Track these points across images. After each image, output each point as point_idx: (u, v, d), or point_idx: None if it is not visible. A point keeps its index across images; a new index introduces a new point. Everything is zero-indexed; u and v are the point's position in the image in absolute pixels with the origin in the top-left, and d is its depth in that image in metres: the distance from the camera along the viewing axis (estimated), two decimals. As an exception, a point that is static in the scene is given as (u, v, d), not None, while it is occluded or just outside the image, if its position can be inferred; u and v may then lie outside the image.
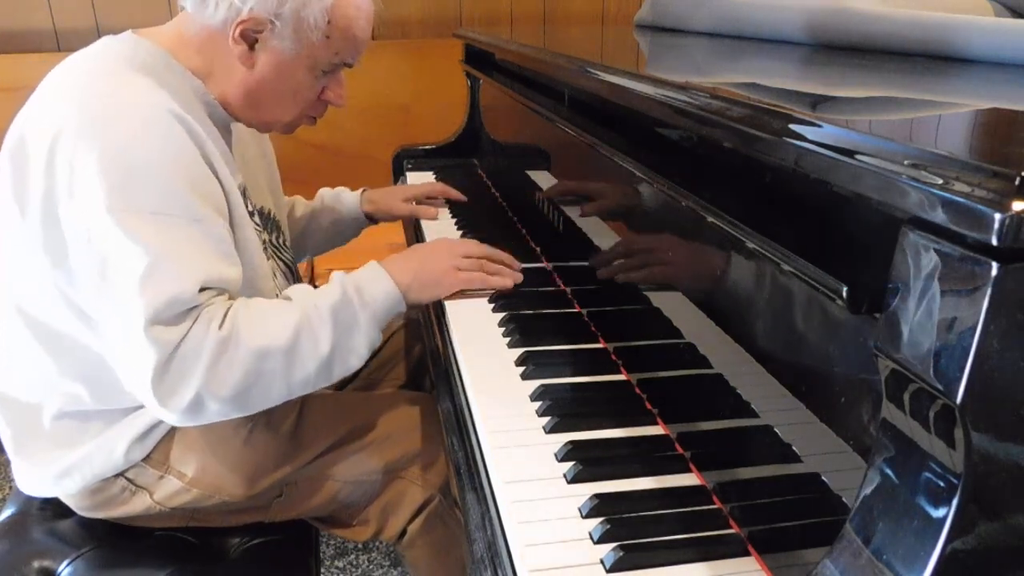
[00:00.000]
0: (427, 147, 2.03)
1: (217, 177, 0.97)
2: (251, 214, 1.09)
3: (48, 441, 1.03)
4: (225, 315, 0.90)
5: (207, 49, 1.01)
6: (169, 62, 1.00)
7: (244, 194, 1.08)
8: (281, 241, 1.25)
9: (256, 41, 0.99)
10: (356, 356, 0.99)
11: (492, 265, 1.16)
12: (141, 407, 1.03)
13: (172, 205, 0.89)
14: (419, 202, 1.58)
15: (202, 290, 0.89)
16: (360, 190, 1.53)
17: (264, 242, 1.14)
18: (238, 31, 0.97)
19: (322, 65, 1.04)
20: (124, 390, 1.00)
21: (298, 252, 1.42)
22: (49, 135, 0.89)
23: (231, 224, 0.99)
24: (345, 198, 1.50)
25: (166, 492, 1.06)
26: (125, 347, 0.88)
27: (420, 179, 1.92)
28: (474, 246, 1.18)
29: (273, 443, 1.08)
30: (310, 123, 1.14)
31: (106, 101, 0.91)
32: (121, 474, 1.04)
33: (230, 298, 0.94)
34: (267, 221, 1.21)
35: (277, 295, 1.09)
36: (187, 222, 0.89)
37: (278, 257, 1.21)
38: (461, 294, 1.15)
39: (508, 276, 1.16)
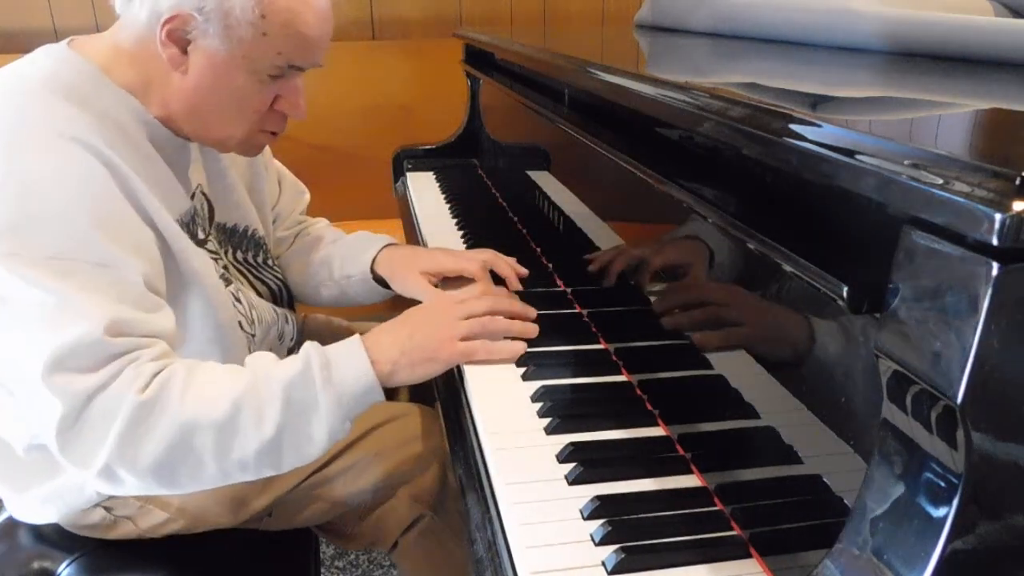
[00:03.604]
0: (427, 147, 2.03)
1: (144, 213, 0.89)
2: (202, 241, 1.02)
3: (24, 470, 0.99)
4: (154, 376, 0.80)
5: (141, 58, 0.91)
6: (99, 81, 0.91)
7: (195, 219, 1.01)
8: (260, 260, 1.17)
9: (188, 43, 0.89)
10: (313, 445, 0.85)
11: (498, 325, 0.98)
12: None
13: (72, 248, 0.80)
14: (444, 280, 1.18)
15: (116, 335, 0.79)
16: (385, 244, 1.24)
17: (226, 266, 1.07)
18: (164, 31, 0.88)
19: (265, 68, 0.92)
20: None
21: (299, 295, 1.29)
22: None
23: (170, 260, 0.92)
24: (363, 247, 1.24)
25: (151, 523, 1.02)
26: (30, 400, 0.79)
27: (420, 179, 1.92)
28: (476, 303, 0.99)
29: None
30: (269, 139, 1.03)
31: (5, 130, 0.83)
32: (99, 504, 1.01)
33: (165, 355, 0.84)
34: (241, 239, 1.13)
35: (241, 322, 1.03)
36: (90, 267, 0.80)
37: (252, 276, 1.14)
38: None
39: (518, 341, 0.98)
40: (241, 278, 1.12)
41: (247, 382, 0.84)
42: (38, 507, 1.02)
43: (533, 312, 1.03)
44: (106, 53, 0.93)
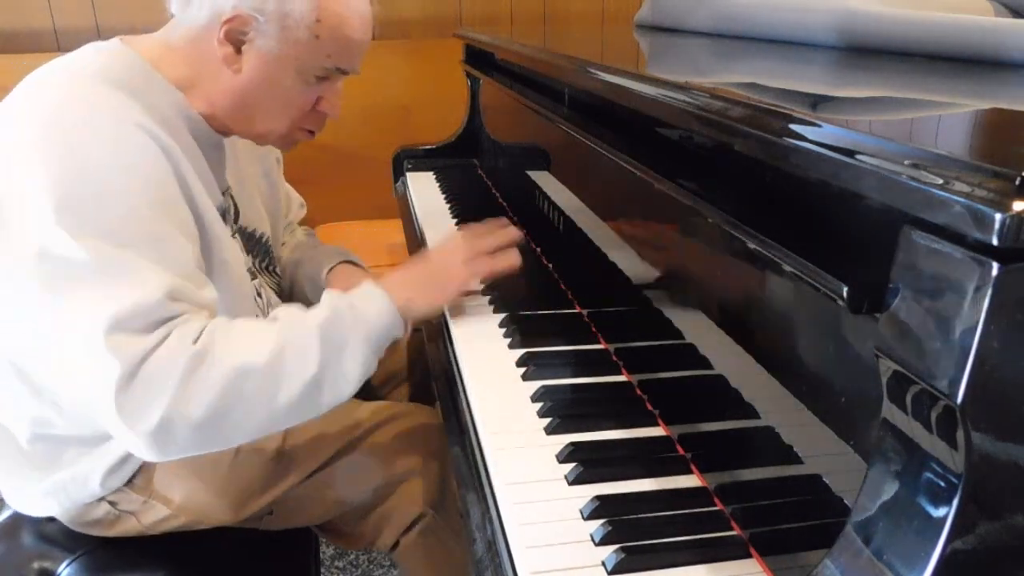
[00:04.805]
0: (427, 147, 2.03)
1: (190, 197, 0.93)
2: (232, 235, 1.05)
3: (27, 462, 1.00)
4: (202, 330, 0.83)
5: (193, 56, 0.96)
6: (150, 75, 0.95)
7: (226, 215, 1.04)
8: (264, 266, 1.20)
9: (243, 43, 0.94)
10: (348, 382, 0.90)
11: (493, 242, 1.10)
12: None
13: (130, 223, 0.83)
14: None
15: (173, 300, 0.83)
16: (343, 260, 1.29)
17: (248, 266, 1.10)
18: (223, 31, 0.92)
19: (314, 70, 0.98)
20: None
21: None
22: (12, 148, 0.84)
23: (205, 247, 0.95)
24: (324, 259, 1.28)
25: (152, 518, 1.03)
26: (84, 362, 0.80)
27: (420, 179, 1.92)
28: (469, 233, 1.13)
29: (260, 465, 1.05)
30: (307, 137, 1.08)
31: (67, 113, 0.86)
32: (103, 498, 1.02)
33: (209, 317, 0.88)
34: (255, 244, 1.16)
35: (258, 315, 1.06)
36: (147, 240, 0.84)
37: (262, 281, 1.18)
38: (461, 295, 1.14)
39: (511, 253, 1.10)
40: (256, 277, 1.15)
41: (284, 328, 0.88)
42: (39, 500, 1.02)
43: (512, 228, 1.14)
44: (156, 51, 0.97)
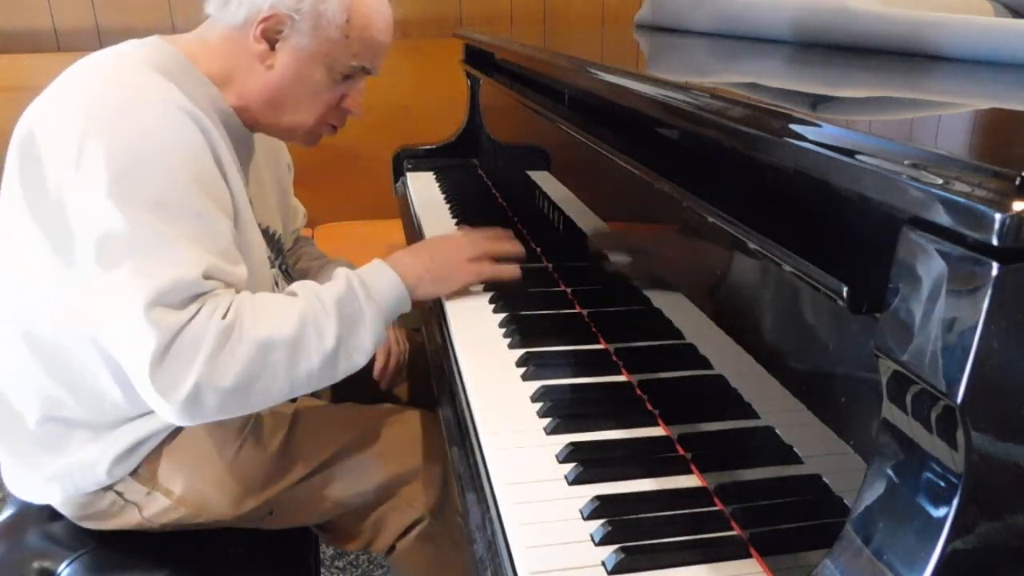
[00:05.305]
0: (427, 147, 2.04)
1: (225, 177, 0.96)
2: (258, 224, 1.08)
3: (34, 443, 1.02)
4: (230, 305, 0.88)
5: (228, 53, 1.02)
6: (189, 68, 1.00)
7: (253, 205, 1.07)
8: (277, 263, 1.23)
9: (277, 40, 1.00)
10: (361, 352, 0.96)
11: (499, 248, 1.17)
12: (126, 423, 1.01)
13: (174, 198, 0.88)
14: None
15: (207, 278, 0.87)
16: None
17: (267, 255, 1.13)
18: (259, 29, 0.98)
19: (340, 68, 1.04)
20: (108, 400, 0.98)
21: None
22: (62, 125, 0.89)
23: (237, 227, 0.98)
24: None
25: (154, 510, 1.04)
26: (125, 332, 0.85)
27: (420, 179, 1.92)
28: (476, 235, 1.19)
29: (262, 461, 1.07)
30: (330, 132, 1.13)
31: (120, 93, 0.91)
32: (110, 487, 1.03)
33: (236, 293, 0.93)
34: (270, 241, 1.19)
35: None
36: (189, 215, 0.88)
37: (278, 272, 1.20)
38: (461, 294, 1.15)
39: (514, 264, 1.17)
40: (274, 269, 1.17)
41: (304, 303, 0.94)
42: (42, 486, 1.03)
43: (518, 244, 1.21)
44: (192, 47, 1.03)
